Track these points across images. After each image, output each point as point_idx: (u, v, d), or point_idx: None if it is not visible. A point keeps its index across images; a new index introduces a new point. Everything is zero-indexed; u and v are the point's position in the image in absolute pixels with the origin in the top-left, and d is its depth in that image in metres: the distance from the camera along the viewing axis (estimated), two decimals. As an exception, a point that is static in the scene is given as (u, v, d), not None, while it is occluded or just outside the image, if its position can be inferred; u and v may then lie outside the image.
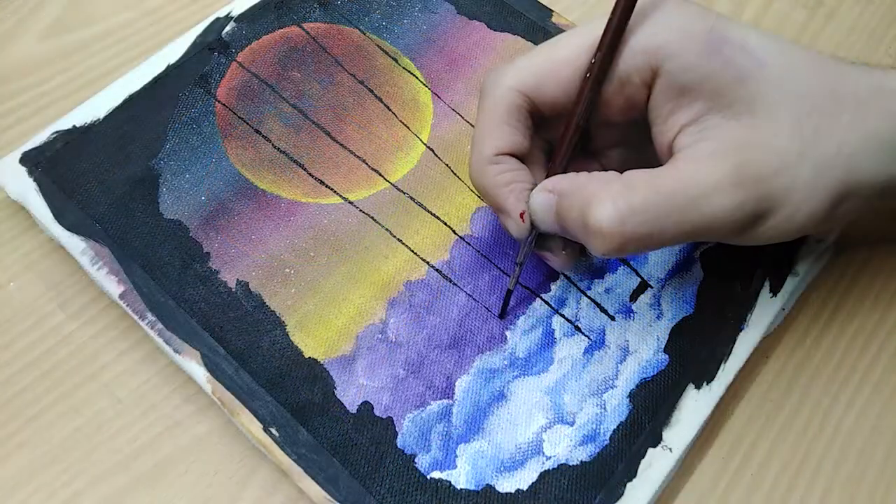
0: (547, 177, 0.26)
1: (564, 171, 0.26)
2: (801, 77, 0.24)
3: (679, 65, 0.24)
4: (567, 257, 0.28)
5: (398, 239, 0.30)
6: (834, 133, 0.23)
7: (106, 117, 0.32)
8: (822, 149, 0.23)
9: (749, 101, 0.23)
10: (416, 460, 0.26)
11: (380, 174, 0.32)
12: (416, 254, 0.30)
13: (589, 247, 0.24)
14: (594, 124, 0.27)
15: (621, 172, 0.24)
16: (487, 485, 0.26)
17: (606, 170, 0.26)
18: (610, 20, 0.24)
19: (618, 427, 0.27)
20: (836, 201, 0.24)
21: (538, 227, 0.26)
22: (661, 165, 0.25)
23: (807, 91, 0.24)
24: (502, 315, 0.29)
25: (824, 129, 0.23)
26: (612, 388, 0.28)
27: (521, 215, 0.26)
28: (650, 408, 0.27)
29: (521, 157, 0.27)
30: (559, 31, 0.36)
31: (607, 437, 0.27)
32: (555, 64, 0.25)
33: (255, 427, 0.26)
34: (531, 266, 0.30)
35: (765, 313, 0.29)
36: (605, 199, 0.23)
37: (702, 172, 0.23)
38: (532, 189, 0.26)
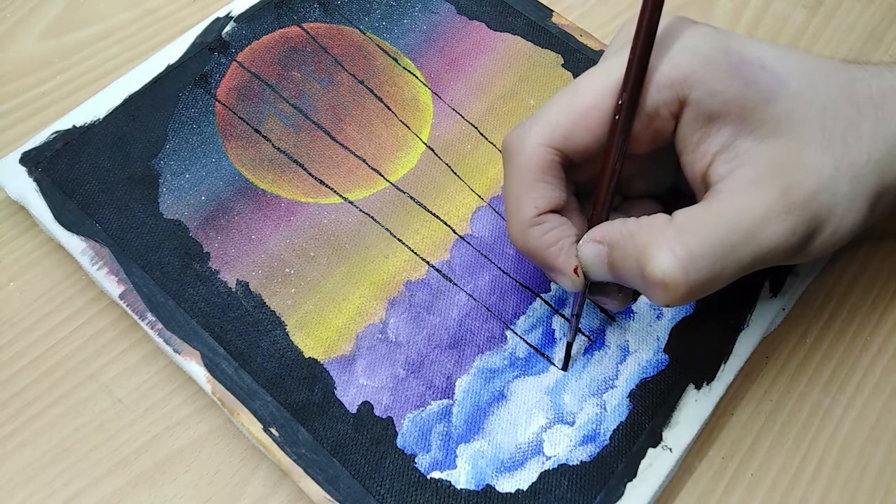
0: (590, 226, 0.25)
1: (607, 218, 0.25)
2: (820, 89, 0.24)
3: (705, 92, 0.23)
4: (623, 298, 0.27)
5: (398, 239, 0.30)
6: (861, 141, 0.23)
7: (106, 117, 0.32)
8: (854, 159, 0.23)
9: (777, 121, 0.23)
10: (416, 460, 0.26)
11: (380, 174, 0.32)
12: (416, 253, 0.30)
13: (650, 298, 0.23)
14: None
15: (646, 199, 0.24)
16: (487, 485, 0.26)
17: (629, 198, 0.26)
18: (631, 57, 0.23)
19: (618, 427, 0.27)
20: (873, 206, 0.24)
21: (592, 279, 0.25)
22: (696, 194, 0.25)
23: (828, 103, 0.24)
24: (565, 367, 0.28)
25: (851, 139, 0.23)
26: (612, 388, 0.28)
27: (575, 270, 0.25)
28: (650, 408, 0.27)
29: (559, 211, 0.26)
30: (559, 30, 0.36)
31: (607, 437, 0.27)
32: (581, 112, 0.24)
33: (255, 427, 0.26)
34: (531, 266, 0.30)
35: (765, 313, 0.29)
36: (662, 248, 0.22)
37: (750, 204, 0.23)
38: (578, 241, 0.25)
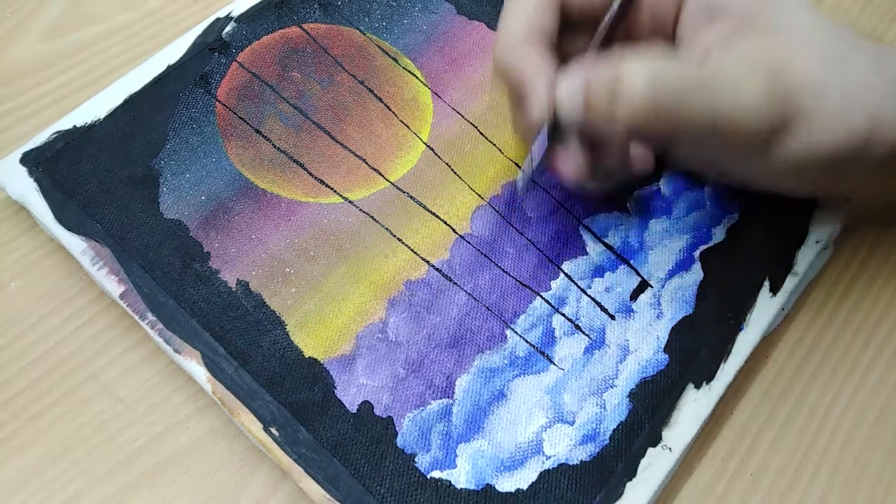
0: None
1: None
2: (822, 17, 0.24)
3: None
4: (581, 161, 0.27)
5: (398, 238, 0.30)
6: (858, 71, 0.24)
7: (106, 117, 0.32)
8: (849, 81, 0.23)
9: (776, 23, 0.24)
10: (416, 460, 0.26)
11: (380, 173, 0.32)
12: (416, 253, 0.30)
13: (612, 119, 0.23)
14: (615, 48, 0.26)
15: None
16: (487, 484, 0.26)
17: None
18: None
19: (618, 426, 0.27)
20: (862, 138, 0.24)
21: (561, 110, 0.25)
22: None
23: (830, 29, 0.24)
24: (523, 192, 0.28)
25: (850, 66, 0.24)
26: (612, 387, 0.28)
27: (548, 93, 0.25)
28: (650, 407, 0.27)
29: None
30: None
31: (607, 437, 0.27)
32: None
33: (255, 427, 0.26)
34: (531, 265, 0.30)
35: (764, 313, 0.29)
36: (637, 59, 0.23)
37: (734, 68, 0.23)
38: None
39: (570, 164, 0.27)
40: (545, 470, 0.26)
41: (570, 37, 0.27)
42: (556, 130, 0.26)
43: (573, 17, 0.26)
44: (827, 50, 0.24)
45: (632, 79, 0.22)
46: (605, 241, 0.31)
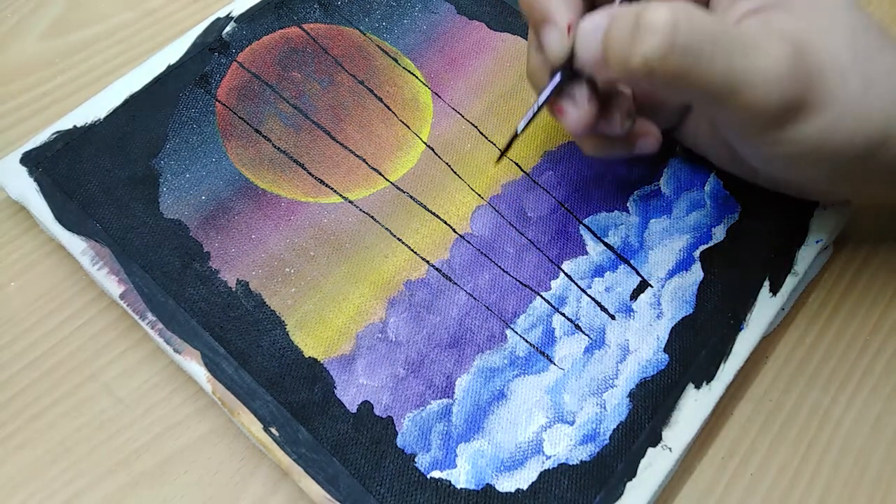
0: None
1: None
2: (856, 8, 0.24)
3: None
4: (587, 112, 0.26)
5: (398, 238, 0.30)
6: (882, 67, 0.23)
7: (106, 117, 0.32)
8: (873, 70, 0.23)
9: (812, 4, 0.24)
10: (416, 460, 0.26)
11: (380, 173, 0.32)
12: (415, 253, 0.30)
13: (630, 61, 0.22)
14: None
15: None
16: (487, 484, 0.26)
17: None
18: None
19: (618, 426, 0.27)
20: (878, 135, 0.23)
21: (578, 53, 0.24)
22: None
23: (863, 20, 0.24)
24: (497, 161, 0.28)
25: (876, 56, 0.23)
26: (612, 387, 0.28)
27: (569, 28, 0.24)
28: (650, 407, 0.27)
29: None
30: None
31: (607, 437, 0.27)
32: None
33: (255, 427, 0.26)
34: (531, 265, 0.30)
35: (764, 313, 0.29)
36: (663, 7, 0.22)
37: (760, 34, 0.23)
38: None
39: (576, 111, 0.26)
40: (545, 470, 0.26)
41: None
42: (569, 74, 0.25)
43: None
44: (857, 39, 0.24)
45: (654, 17, 0.22)
46: (605, 240, 0.31)
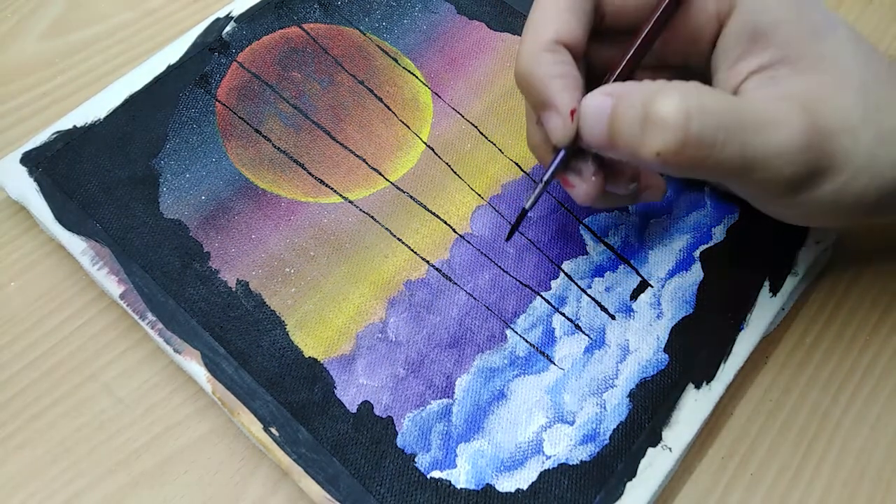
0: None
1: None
2: (866, 50, 0.23)
3: (759, 3, 0.23)
4: (594, 185, 0.25)
5: (398, 238, 0.30)
6: (894, 114, 0.23)
7: (106, 117, 0.32)
8: (886, 120, 0.23)
9: (819, 58, 0.23)
10: (416, 460, 0.26)
11: (380, 173, 0.32)
12: (415, 253, 0.30)
13: (640, 151, 0.22)
14: (641, 70, 0.25)
15: None
16: (487, 484, 0.26)
17: None
18: None
19: (618, 426, 0.27)
20: (891, 187, 0.23)
21: (583, 136, 0.24)
22: None
23: (871, 63, 0.23)
24: (508, 237, 0.28)
25: (887, 108, 0.23)
26: (612, 387, 0.28)
27: (572, 113, 0.23)
28: (650, 407, 0.27)
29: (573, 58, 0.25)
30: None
31: (607, 437, 0.27)
32: None
33: (255, 427, 0.26)
34: (531, 265, 0.30)
35: (764, 313, 0.29)
36: (674, 90, 0.21)
37: (771, 107, 0.22)
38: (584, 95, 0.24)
39: (584, 185, 0.26)
40: (545, 470, 0.26)
41: (599, 45, 0.26)
42: (573, 151, 0.25)
43: (605, 24, 0.25)
44: (868, 92, 0.23)
45: (666, 112, 0.21)
46: (605, 240, 0.31)
